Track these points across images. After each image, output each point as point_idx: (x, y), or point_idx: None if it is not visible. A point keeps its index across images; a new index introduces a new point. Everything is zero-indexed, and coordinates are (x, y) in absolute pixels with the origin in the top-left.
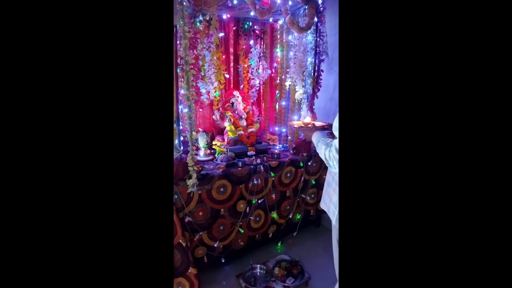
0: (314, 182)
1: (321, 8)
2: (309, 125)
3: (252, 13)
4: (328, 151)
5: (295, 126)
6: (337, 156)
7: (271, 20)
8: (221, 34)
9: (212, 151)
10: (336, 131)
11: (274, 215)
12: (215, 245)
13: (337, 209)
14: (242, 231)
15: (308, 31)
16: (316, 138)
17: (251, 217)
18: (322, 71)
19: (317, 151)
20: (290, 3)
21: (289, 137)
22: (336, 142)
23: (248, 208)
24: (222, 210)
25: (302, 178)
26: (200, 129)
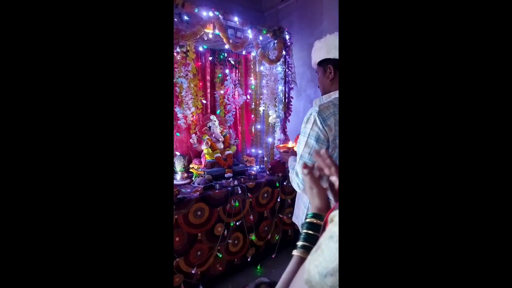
0: (290, 202)
1: (289, 43)
2: (291, 149)
3: (226, 46)
4: (291, 173)
5: (281, 150)
6: (296, 179)
7: (244, 52)
8: (198, 64)
9: (189, 174)
10: (298, 156)
11: (253, 237)
12: (193, 272)
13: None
14: (220, 256)
15: (278, 63)
16: (289, 162)
17: (229, 241)
18: (292, 97)
19: None
20: (260, 38)
21: (265, 158)
22: (297, 167)
23: (226, 231)
24: (199, 234)
25: (279, 198)
26: (177, 153)
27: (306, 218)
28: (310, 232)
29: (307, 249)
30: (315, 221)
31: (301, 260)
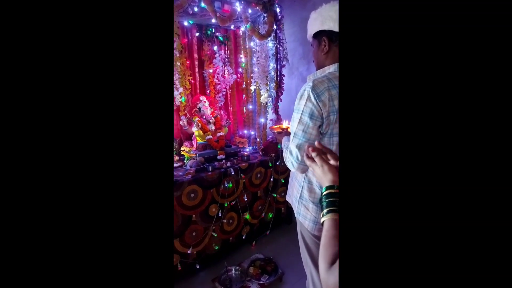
0: (283, 181)
1: (280, 17)
2: (285, 129)
3: (213, 20)
4: (284, 152)
5: (274, 132)
6: (290, 158)
7: (232, 27)
8: (184, 40)
9: (180, 157)
10: (292, 134)
11: (247, 216)
12: (189, 252)
13: (297, 203)
14: (216, 235)
15: (269, 38)
16: (282, 142)
17: (224, 220)
18: (284, 75)
19: None
20: (250, 11)
21: (258, 139)
22: (290, 145)
23: (220, 211)
24: (193, 216)
25: (272, 178)
26: None
27: (323, 192)
28: (333, 199)
29: (335, 212)
30: (334, 191)
31: (334, 221)
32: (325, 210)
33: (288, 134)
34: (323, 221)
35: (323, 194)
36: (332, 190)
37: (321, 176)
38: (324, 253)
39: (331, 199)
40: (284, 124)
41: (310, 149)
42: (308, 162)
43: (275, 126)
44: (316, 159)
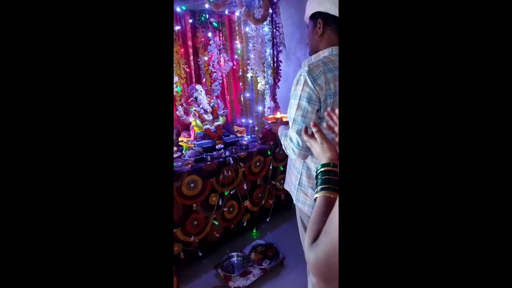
0: (282, 169)
1: (275, 0)
2: (280, 119)
3: (207, 5)
4: (284, 141)
5: (269, 122)
6: (291, 145)
7: (226, 12)
8: (177, 28)
9: (179, 147)
10: (290, 121)
11: (247, 203)
12: (191, 240)
13: (296, 190)
14: (217, 223)
15: (264, 23)
16: (279, 131)
17: (224, 209)
18: (281, 61)
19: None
20: None
21: (256, 128)
22: (290, 132)
23: (220, 200)
24: (194, 205)
25: (271, 166)
26: None
27: (319, 169)
28: (328, 177)
29: (328, 189)
30: (330, 168)
31: (326, 199)
32: (319, 187)
33: (283, 123)
34: (315, 198)
35: (319, 171)
36: (329, 168)
37: (319, 153)
38: (310, 229)
39: (326, 176)
40: (278, 115)
41: (311, 124)
42: (306, 138)
43: (270, 116)
44: (316, 136)
